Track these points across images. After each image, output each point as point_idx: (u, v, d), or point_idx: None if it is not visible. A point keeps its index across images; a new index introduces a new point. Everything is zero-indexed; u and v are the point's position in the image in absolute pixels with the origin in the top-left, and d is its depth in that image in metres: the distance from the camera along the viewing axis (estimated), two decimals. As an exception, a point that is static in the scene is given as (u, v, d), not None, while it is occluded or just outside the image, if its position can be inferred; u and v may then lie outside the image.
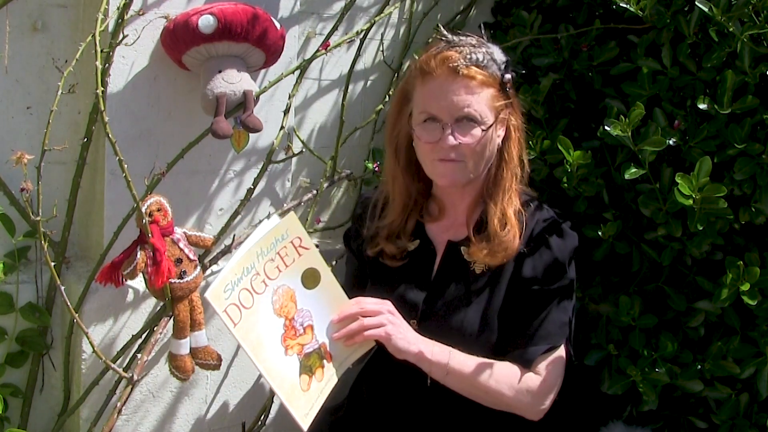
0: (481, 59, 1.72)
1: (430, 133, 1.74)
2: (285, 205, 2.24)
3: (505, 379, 1.72)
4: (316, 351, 1.67)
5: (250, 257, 1.57)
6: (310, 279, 1.66)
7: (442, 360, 1.70)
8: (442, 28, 1.81)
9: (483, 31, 1.83)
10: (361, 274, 1.99)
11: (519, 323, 1.77)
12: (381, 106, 2.40)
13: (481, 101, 1.72)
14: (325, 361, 1.68)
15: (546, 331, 1.77)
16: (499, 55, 1.77)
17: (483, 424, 1.78)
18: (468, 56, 1.71)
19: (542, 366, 1.76)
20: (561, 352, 1.79)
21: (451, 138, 1.72)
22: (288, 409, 1.67)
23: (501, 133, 1.79)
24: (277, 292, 1.62)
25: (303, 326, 1.66)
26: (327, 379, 1.68)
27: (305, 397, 1.65)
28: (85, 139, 1.90)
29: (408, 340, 1.70)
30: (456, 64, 1.70)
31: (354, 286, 2.00)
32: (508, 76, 1.76)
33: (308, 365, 1.66)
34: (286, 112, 2.11)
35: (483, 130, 1.72)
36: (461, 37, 1.77)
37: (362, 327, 1.69)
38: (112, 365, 1.86)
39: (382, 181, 1.95)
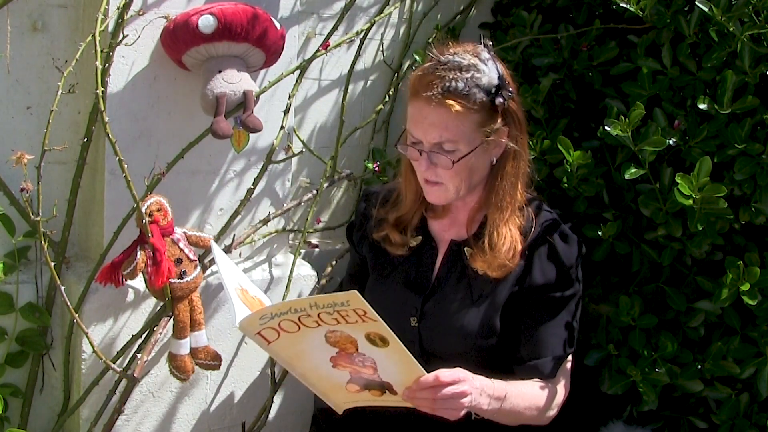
0: (461, 87, 1.66)
1: (411, 154, 1.76)
2: (285, 204, 2.24)
3: (533, 401, 1.74)
4: (378, 384, 1.61)
5: (300, 303, 1.50)
6: (376, 340, 1.54)
7: (495, 406, 1.68)
8: (432, 47, 1.75)
9: (482, 40, 1.77)
10: (360, 268, 1.99)
11: (530, 330, 1.78)
12: (381, 106, 2.40)
13: (458, 130, 1.68)
14: (387, 392, 1.62)
15: (561, 339, 1.78)
16: (489, 78, 1.69)
17: (483, 425, 1.78)
18: (447, 85, 1.66)
19: (559, 376, 1.80)
20: (570, 358, 1.82)
21: (426, 162, 1.72)
22: (325, 399, 1.66)
23: (496, 152, 1.76)
24: (333, 333, 1.54)
25: (364, 364, 1.58)
26: (384, 400, 1.64)
27: (349, 395, 1.63)
28: (85, 139, 1.90)
29: (480, 400, 1.64)
30: (432, 93, 1.66)
31: (353, 277, 2.01)
32: (499, 100, 1.69)
33: (363, 383, 1.62)
34: (286, 112, 2.11)
35: (455, 161, 1.70)
36: (453, 57, 1.70)
37: (434, 410, 1.59)
38: (112, 365, 1.86)
39: (398, 175, 1.96)
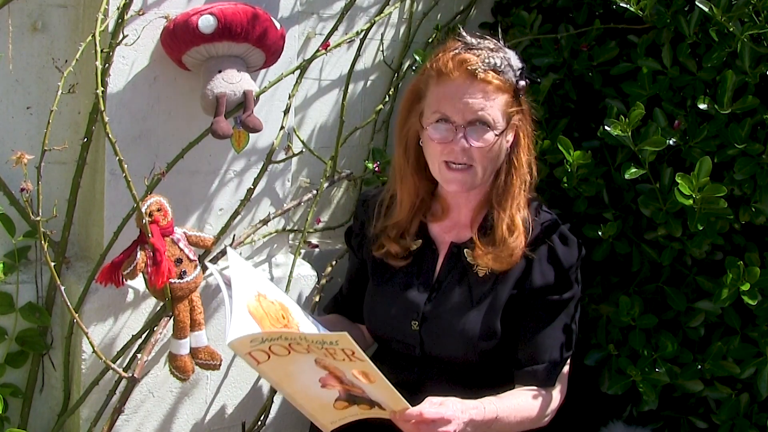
0: (498, 64, 1.71)
1: (442, 134, 1.74)
2: (285, 204, 2.24)
3: (527, 413, 1.74)
4: (368, 401, 1.62)
5: (291, 334, 1.54)
6: (362, 376, 1.57)
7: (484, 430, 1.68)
8: (462, 29, 1.79)
9: (500, 37, 1.81)
10: (360, 272, 1.99)
11: (528, 334, 1.78)
12: (381, 106, 2.40)
13: (495, 106, 1.72)
14: (377, 407, 1.63)
15: (558, 343, 1.79)
16: (515, 61, 1.76)
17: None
18: (486, 60, 1.71)
19: (556, 382, 1.80)
20: (568, 362, 1.83)
21: (463, 141, 1.72)
22: (312, 420, 1.67)
23: (510, 138, 1.78)
24: (323, 360, 1.56)
25: (353, 385, 1.60)
26: (373, 413, 1.65)
27: (336, 413, 1.64)
28: (85, 139, 1.90)
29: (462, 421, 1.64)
30: (474, 67, 1.70)
31: (352, 282, 2.01)
32: (522, 83, 1.75)
33: (353, 399, 1.63)
34: (286, 112, 2.10)
35: (496, 135, 1.72)
36: (479, 40, 1.75)
37: None
38: (112, 365, 1.86)
39: (389, 179, 1.95)
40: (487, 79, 1.70)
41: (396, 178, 1.88)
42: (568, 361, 1.83)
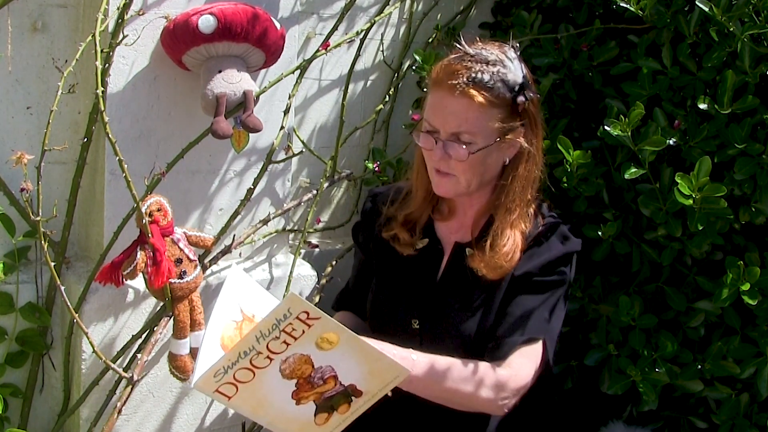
0: (487, 80, 1.66)
1: (425, 142, 1.74)
2: (285, 204, 2.24)
3: (466, 376, 1.65)
4: (342, 393, 1.59)
5: (247, 342, 1.48)
6: (326, 342, 1.53)
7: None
8: (462, 38, 1.74)
9: (511, 42, 1.76)
10: (366, 268, 1.99)
11: (502, 315, 1.74)
12: (381, 106, 2.40)
13: (478, 122, 1.68)
14: (353, 397, 1.60)
15: (525, 322, 1.72)
16: (514, 75, 1.69)
17: (475, 426, 1.77)
18: (474, 75, 1.66)
19: (514, 358, 1.70)
20: (538, 349, 1.72)
21: (440, 152, 1.71)
22: None
23: (510, 152, 1.75)
24: (286, 361, 1.53)
25: (323, 379, 1.57)
26: (353, 411, 1.62)
27: (320, 429, 1.62)
28: (85, 139, 1.90)
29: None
30: (457, 81, 1.66)
31: (359, 277, 2.01)
32: (521, 98, 1.69)
33: (329, 405, 1.60)
34: (286, 112, 2.11)
35: (471, 153, 1.69)
36: (479, 51, 1.70)
37: None
38: (112, 365, 1.86)
39: (410, 170, 1.95)
40: (469, 94, 1.66)
41: (414, 170, 1.89)
42: (540, 345, 1.72)
